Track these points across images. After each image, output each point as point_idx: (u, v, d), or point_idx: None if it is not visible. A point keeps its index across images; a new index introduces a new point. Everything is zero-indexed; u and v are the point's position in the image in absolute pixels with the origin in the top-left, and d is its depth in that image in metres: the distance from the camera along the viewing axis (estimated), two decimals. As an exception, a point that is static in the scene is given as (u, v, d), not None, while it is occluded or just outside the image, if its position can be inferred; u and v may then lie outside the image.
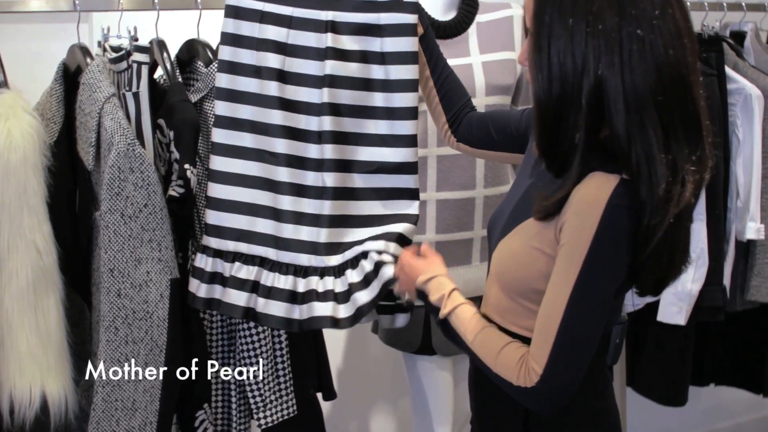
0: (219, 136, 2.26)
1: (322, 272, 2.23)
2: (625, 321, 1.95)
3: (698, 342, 3.57)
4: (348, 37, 2.24)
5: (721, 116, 3.26)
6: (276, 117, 2.23)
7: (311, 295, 2.22)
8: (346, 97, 2.23)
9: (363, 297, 2.19)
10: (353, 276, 2.22)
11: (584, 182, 1.72)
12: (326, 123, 2.22)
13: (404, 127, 2.24)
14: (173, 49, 2.55)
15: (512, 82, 2.85)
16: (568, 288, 1.72)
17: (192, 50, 2.59)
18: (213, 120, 2.29)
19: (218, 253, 2.26)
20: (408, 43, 2.23)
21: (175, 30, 2.58)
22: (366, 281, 2.20)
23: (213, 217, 2.27)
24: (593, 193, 1.70)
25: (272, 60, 2.23)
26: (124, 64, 2.41)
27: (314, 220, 2.24)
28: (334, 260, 2.24)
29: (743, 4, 3.55)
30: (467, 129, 2.32)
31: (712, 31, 3.44)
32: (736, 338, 3.64)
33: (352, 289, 2.21)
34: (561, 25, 1.71)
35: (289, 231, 2.24)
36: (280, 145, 2.24)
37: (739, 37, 3.58)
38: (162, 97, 2.44)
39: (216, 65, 2.47)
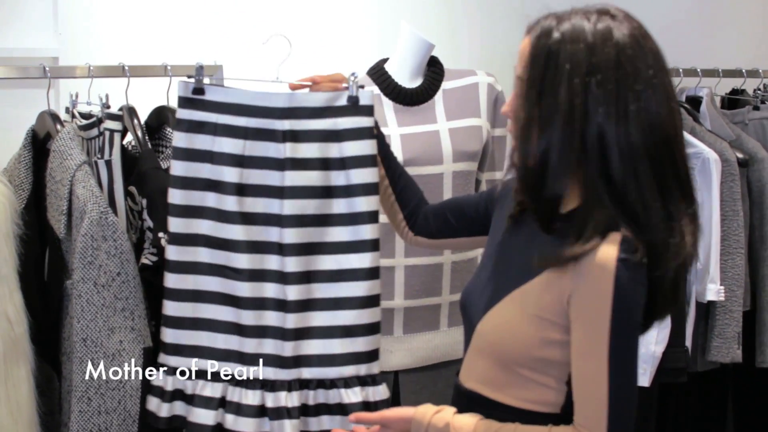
0: (173, 252, 2.19)
1: (290, 386, 2.19)
2: None
3: (661, 402, 3.59)
4: (307, 145, 2.19)
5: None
6: (237, 232, 2.18)
7: (282, 413, 2.17)
8: (308, 206, 2.19)
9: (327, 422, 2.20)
10: (322, 396, 2.21)
11: (586, 246, 1.73)
12: (288, 235, 2.18)
13: (368, 232, 2.20)
14: (142, 115, 2.55)
15: (479, 148, 2.87)
16: (604, 355, 1.72)
17: (161, 117, 2.60)
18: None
19: (179, 371, 2.21)
20: (367, 146, 2.20)
21: (145, 96, 2.58)
22: (338, 408, 2.20)
23: (170, 335, 2.21)
24: (599, 255, 1.71)
25: (229, 174, 2.18)
26: (95, 131, 2.41)
27: (278, 333, 2.19)
28: (303, 373, 2.21)
29: (698, 69, 3.62)
30: (424, 222, 2.32)
31: (669, 96, 3.50)
32: (698, 398, 3.66)
33: (320, 410, 2.21)
34: (557, 74, 1.73)
35: (253, 345, 2.19)
36: (243, 261, 2.18)
37: (694, 101, 3.65)
38: (132, 164, 2.43)
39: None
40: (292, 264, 2.18)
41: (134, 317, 2.26)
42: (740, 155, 3.45)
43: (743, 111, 3.78)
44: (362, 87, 2.21)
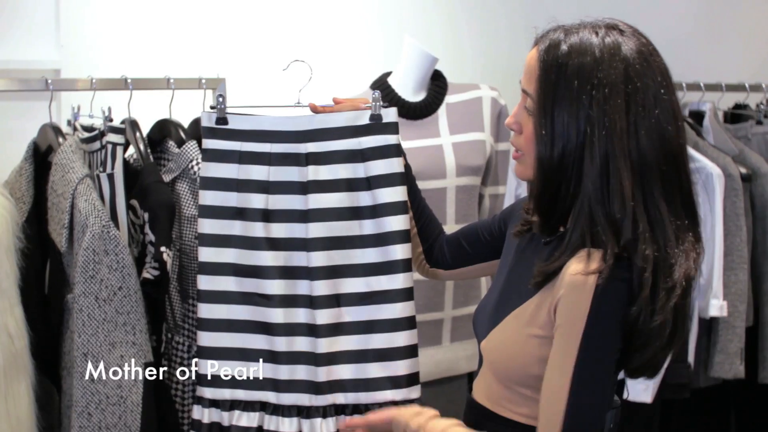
0: (204, 282, 2.18)
1: (325, 412, 2.16)
2: (618, 405, 1.93)
3: (663, 418, 3.58)
4: (329, 167, 2.16)
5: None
6: (265, 258, 2.16)
7: None
8: (334, 229, 2.15)
9: None
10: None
11: (575, 259, 1.73)
12: (315, 259, 2.15)
13: (398, 252, 2.15)
14: (144, 128, 2.54)
15: (482, 162, 2.87)
16: (569, 370, 1.70)
17: (164, 130, 2.58)
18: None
19: (214, 403, 2.19)
20: (393, 165, 2.16)
21: (147, 109, 2.57)
22: None
23: (205, 366, 2.19)
24: (583, 269, 1.70)
25: (256, 200, 2.17)
26: (97, 144, 2.39)
27: (310, 359, 2.16)
28: (338, 398, 2.17)
29: (701, 84, 3.62)
30: (440, 253, 2.29)
31: (672, 110, 3.50)
32: (700, 414, 3.65)
33: None
34: (566, 86, 1.72)
35: (287, 372, 2.17)
36: (273, 287, 2.16)
37: (697, 116, 3.65)
38: (134, 177, 2.42)
39: (189, 145, 2.48)
40: (320, 288, 2.15)
41: (135, 332, 2.25)
42: (743, 170, 3.45)
43: (746, 125, 3.78)
44: (386, 106, 2.18)
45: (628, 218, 1.71)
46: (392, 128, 2.17)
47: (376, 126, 2.16)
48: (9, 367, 2.21)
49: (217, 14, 3.26)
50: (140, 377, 2.25)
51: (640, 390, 3.24)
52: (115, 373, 2.22)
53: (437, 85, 2.90)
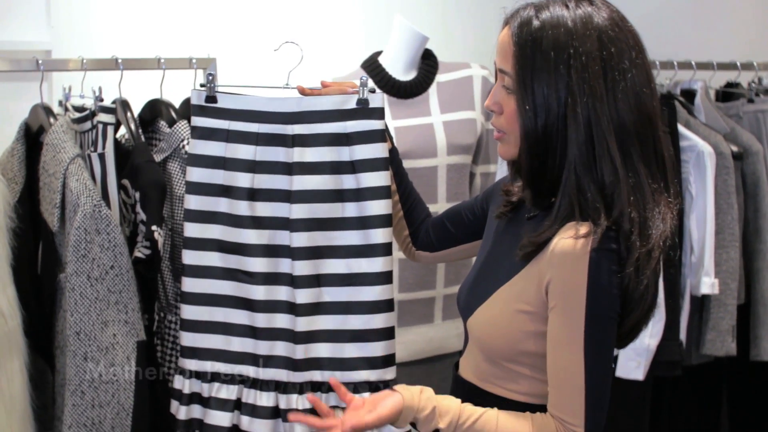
0: (189, 257, 2.20)
1: (301, 388, 2.19)
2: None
3: (655, 396, 3.59)
4: (315, 149, 2.18)
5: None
6: (249, 236, 2.19)
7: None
8: (317, 210, 2.18)
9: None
10: (333, 399, 2.18)
11: (561, 234, 1.75)
12: (297, 239, 2.17)
13: (379, 236, 2.18)
14: (136, 108, 2.55)
15: (473, 141, 2.88)
16: (580, 344, 1.74)
17: (155, 110, 2.59)
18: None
19: (195, 374, 2.22)
20: (378, 150, 2.18)
21: (138, 89, 2.58)
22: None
23: (188, 339, 2.21)
24: (572, 243, 1.72)
25: (242, 179, 2.19)
26: (88, 124, 2.40)
27: (289, 336, 2.18)
28: (315, 376, 2.19)
29: (693, 62, 3.62)
30: (426, 236, 2.31)
31: (663, 89, 3.51)
32: (692, 391, 3.66)
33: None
34: (543, 58, 1.75)
35: (266, 348, 2.20)
36: (256, 264, 2.19)
37: (689, 94, 3.65)
38: (125, 157, 2.43)
39: (180, 125, 2.48)
40: (301, 267, 2.17)
41: (128, 310, 2.26)
42: (735, 148, 3.45)
43: (738, 104, 3.77)
44: (373, 91, 2.19)
45: (618, 182, 1.74)
46: (378, 113, 2.19)
47: (363, 111, 2.18)
48: (2, 346, 2.22)
49: (208, -5, 3.26)
50: (133, 355, 2.27)
51: (632, 367, 3.26)
52: (107, 351, 2.23)
53: (428, 64, 2.90)
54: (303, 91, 2.21)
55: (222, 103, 2.20)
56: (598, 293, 1.72)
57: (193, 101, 2.21)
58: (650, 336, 3.21)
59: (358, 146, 2.17)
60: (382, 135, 2.19)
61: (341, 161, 2.18)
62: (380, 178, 2.17)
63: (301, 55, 2.27)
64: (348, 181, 2.18)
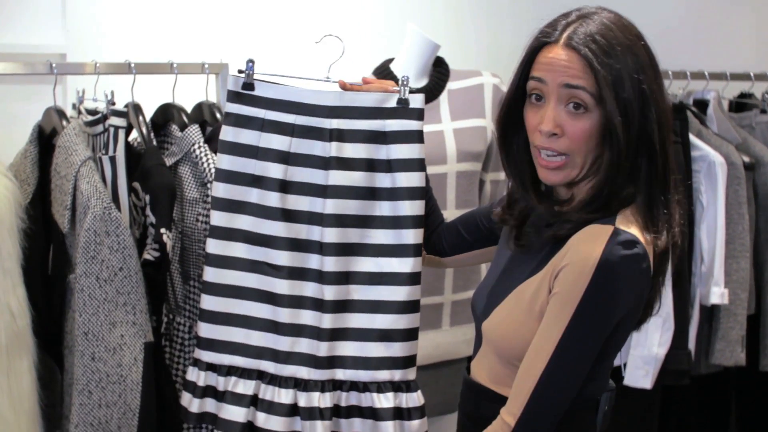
0: (213, 246, 2.18)
1: (323, 386, 2.17)
2: (613, 388, 1.96)
3: (663, 405, 3.60)
4: (353, 145, 2.16)
5: (684, 182, 3.32)
6: (278, 229, 2.16)
7: (314, 413, 2.15)
8: (351, 207, 2.16)
9: (359, 426, 2.18)
10: (354, 399, 2.18)
11: (582, 232, 1.76)
12: (329, 235, 2.15)
13: (411, 236, 2.16)
14: (148, 112, 2.57)
15: (483, 148, 2.89)
16: (555, 339, 1.74)
17: (167, 114, 2.62)
18: (207, 225, 2.22)
19: (211, 367, 2.20)
20: (415, 150, 2.16)
21: (150, 93, 2.60)
22: (370, 412, 2.17)
23: (206, 330, 2.19)
24: (589, 244, 1.74)
25: (274, 170, 2.16)
26: (100, 127, 2.42)
27: (314, 333, 2.16)
28: (337, 374, 2.18)
29: (706, 73, 3.62)
30: (438, 241, 2.31)
31: (676, 99, 3.51)
32: (701, 401, 3.66)
33: (352, 413, 2.18)
34: (623, 67, 1.76)
35: (288, 344, 2.17)
36: (283, 258, 2.16)
37: (702, 105, 3.66)
38: (137, 160, 2.45)
39: (192, 129, 2.51)
40: (331, 264, 2.15)
41: (136, 312, 2.28)
42: (746, 159, 3.46)
43: (751, 114, 3.78)
44: (414, 91, 2.19)
45: (671, 192, 1.82)
46: (417, 114, 2.18)
47: (403, 110, 2.17)
48: (11, 345, 2.24)
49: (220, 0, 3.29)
50: (140, 357, 2.29)
51: (640, 376, 3.26)
52: (115, 352, 2.26)
53: (439, 71, 2.91)
54: (344, 86, 2.20)
55: (259, 91, 2.18)
56: (593, 300, 1.73)
57: (230, 87, 2.17)
58: (659, 345, 3.22)
59: (395, 145, 2.16)
60: (420, 136, 2.17)
61: (378, 159, 2.17)
62: (415, 179, 2.16)
63: (343, 48, 2.26)
64: (383, 180, 2.17)
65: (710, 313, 3.46)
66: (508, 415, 1.79)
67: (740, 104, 3.90)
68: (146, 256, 2.34)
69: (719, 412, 3.70)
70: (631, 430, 3.57)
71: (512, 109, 1.92)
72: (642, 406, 3.50)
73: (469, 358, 2.11)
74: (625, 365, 3.28)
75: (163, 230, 2.31)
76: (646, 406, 3.50)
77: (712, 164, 3.35)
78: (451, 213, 2.76)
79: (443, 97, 2.89)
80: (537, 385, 1.76)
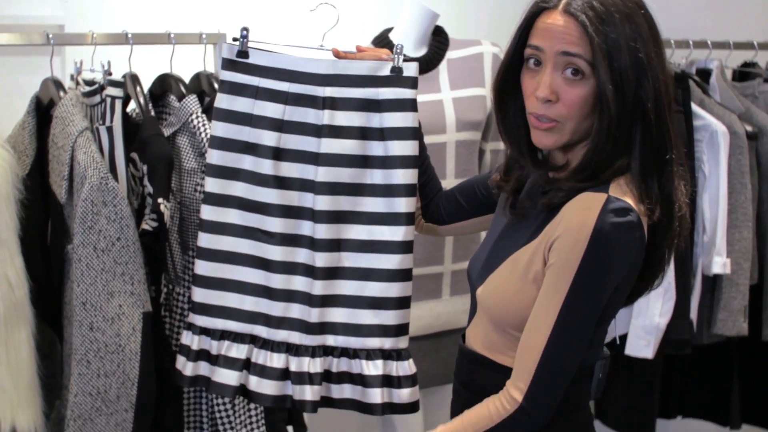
0: (207, 212, 2.18)
1: (314, 352, 2.18)
2: (607, 356, 1.96)
3: (665, 375, 3.60)
4: (346, 113, 2.16)
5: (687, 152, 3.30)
6: (271, 195, 2.17)
7: (304, 378, 2.16)
8: (343, 175, 2.16)
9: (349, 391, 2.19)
10: (345, 365, 2.19)
11: (574, 200, 1.76)
12: (321, 202, 2.16)
13: (403, 205, 2.16)
14: (146, 83, 2.57)
15: (482, 118, 2.88)
16: (555, 311, 1.75)
17: (165, 84, 2.61)
18: (202, 192, 2.20)
19: (205, 331, 2.20)
20: (408, 119, 2.16)
21: (148, 64, 2.60)
22: (359, 379, 2.18)
23: (200, 294, 2.20)
24: (582, 213, 1.73)
25: (267, 137, 2.16)
26: (97, 98, 2.43)
27: (305, 299, 2.18)
28: (328, 340, 2.19)
29: (709, 42, 3.60)
30: (436, 209, 2.30)
31: (678, 68, 3.50)
32: (703, 371, 3.67)
33: (343, 379, 2.19)
34: (621, 34, 1.75)
35: (281, 309, 2.18)
36: (276, 224, 2.17)
37: (704, 74, 3.63)
38: (135, 131, 2.45)
39: (189, 99, 2.50)
40: (323, 231, 2.16)
41: (134, 282, 2.29)
42: (749, 128, 3.44)
43: (754, 84, 3.76)
44: (408, 59, 2.18)
45: (669, 163, 1.80)
46: (411, 82, 2.17)
47: (396, 78, 2.16)
48: (9, 315, 2.25)
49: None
50: (138, 326, 2.29)
51: (642, 346, 3.26)
52: (113, 322, 2.26)
53: (438, 41, 2.90)
54: (338, 54, 2.19)
55: (253, 59, 2.18)
56: (590, 269, 1.72)
57: (224, 54, 2.17)
58: (660, 315, 3.22)
59: (388, 114, 2.16)
60: (414, 104, 2.17)
61: (371, 127, 2.16)
62: (408, 147, 2.16)
63: (337, 16, 2.26)
64: (376, 148, 2.17)
65: (712, 282, 3.45)
66: (515, 389, 1.79)
67: (744, 73, 3.87)
68: (144, 226, 2.34)
69: (721, 381, 3.70)
70: (633, 400, 3.57)
71: (509, 74, 1.91)
72: (644, 376, 3.51)
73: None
74: (619, 338, 3.28)
75: (160, 200, 2.32)
76: (648, 376, 3.51)
77: (714, 133, 3.33)
78: (450, 182, 2.76)
79: (442, 66, 2.88)
80: (541, 358, 1.76)
